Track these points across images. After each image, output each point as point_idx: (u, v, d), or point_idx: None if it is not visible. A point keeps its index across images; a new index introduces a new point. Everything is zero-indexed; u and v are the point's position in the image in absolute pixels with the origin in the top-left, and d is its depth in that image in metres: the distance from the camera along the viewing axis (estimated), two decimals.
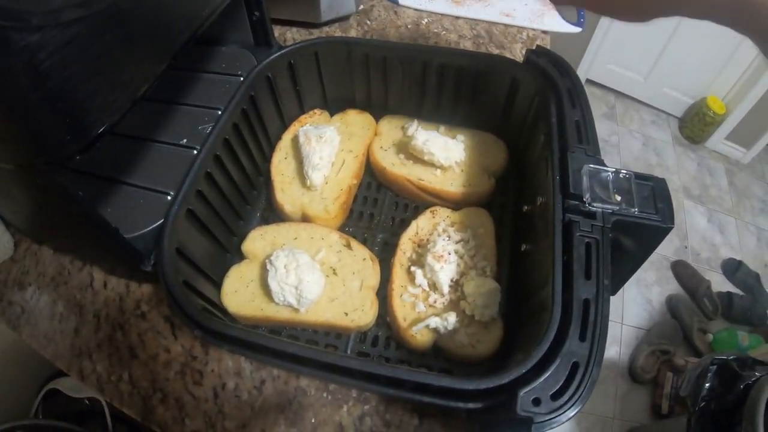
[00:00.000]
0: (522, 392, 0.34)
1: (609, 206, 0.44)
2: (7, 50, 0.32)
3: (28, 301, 0.63)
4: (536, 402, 0.34)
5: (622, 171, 0.46)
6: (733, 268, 1.92)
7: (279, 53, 0.62)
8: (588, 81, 2.47)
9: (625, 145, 2.27)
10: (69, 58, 0.36)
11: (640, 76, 2.35)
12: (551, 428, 0.34)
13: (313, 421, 0.52)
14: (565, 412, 0.34)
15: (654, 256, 1.88)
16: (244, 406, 0.53)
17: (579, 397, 0.34)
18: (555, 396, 0.35)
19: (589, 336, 0.38)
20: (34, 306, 0.62)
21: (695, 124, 2.29)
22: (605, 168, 0.46)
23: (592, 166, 0.46)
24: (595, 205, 0.44)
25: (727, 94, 2.20)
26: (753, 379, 1.24)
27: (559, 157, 0.48)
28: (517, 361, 0.37)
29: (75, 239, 0.62)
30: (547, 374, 0.35)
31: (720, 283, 1.89)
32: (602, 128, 2.32)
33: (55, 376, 0.96)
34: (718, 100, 2.20)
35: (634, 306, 1.83)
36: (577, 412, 0.34)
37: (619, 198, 0.44)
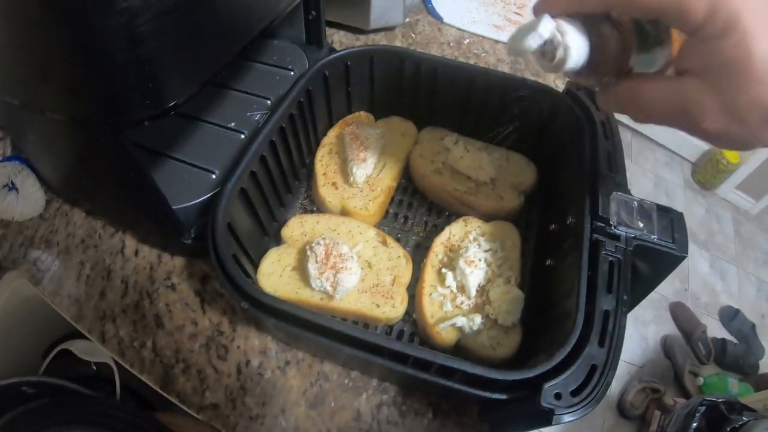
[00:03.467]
0: (547, 385, 0.38)
1: (632, 231, 0.48)
2: (110, 10, 0.34)
3: (54, 260, 0.65)
4: (558, 396, 0.38)
5: (646, 201, 0.50)
6: (730, 316, 1.94)
7: (338, 54, 0.65)
8: None
9: (636, 183, 2.31)
10: (162, 27, 0.38)
11: None
12: (568, 422, 0.37)
13: (332, 405, 0.54)
14: (582, 407, 0.37)
15: (654, 295, 1.92)
16: (266, 385, 0.55)
17: (596, 396, 0.38)
18: (574, 393, 0.38)
19: (608, 343, 0.41)
20: (60, 265, 0.64)
21: (708, 170, 2.32)
22: (631, 197, 0.50)
23: (619, 193, 0.50)
24: (620, 228, 0.48)
25: None
26: (740, 423, 1.28)
27: (591, 184, 0.52)
28: (541, 360, 0.41)
29: (116, 203, 0.63)
30: (568, 372, 0.39)
31: (716, 329, 1.92)
32: None
33: (63, 338, 0.97)
34: None
35: (630, 342, 1.85)
36: (591, 410, 0.38)
37: (641, 225, 0.48)
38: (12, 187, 0.67)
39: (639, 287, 0.54)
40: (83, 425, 0.68)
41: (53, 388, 0.88)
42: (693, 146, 2.40)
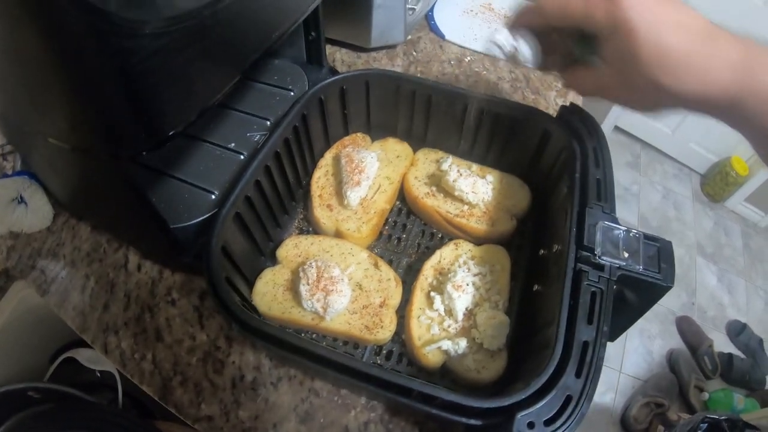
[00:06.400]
0: (520, 414, 0.39)
1: (617, 261, 0.48)
2: (103, 51, 0.36)
3: (60, 272, 0.67)
4: (531, 425, 0.39)
5: (633, 230, 0.50)
6: (737, 330, 1.93)
7: (333, 79, 0.66)
8: (616, 128, 2.50)
9: (645, 196, 2.30)
10: (155, 65, 0.40)
11: (668, 129, 2.38)
12: None
13: (322, 421, 0.55)
14: None
15: (660, 309, 1.92)
16: (259, 399, 0.57)
17: (569, 426, 0.39)
18: (548, 422, 0.39)
19: (584, 374, 0.42)
20: (66, 277, 0.66)
21: (717, 183, 2.31)
22: (618, 226, 0.51)
23: (606, 223, 0.51)
24: (604, 258, 0.48)
25: (751, 156, 2.22)
26: None
27: (578, 211, 0.52)
28: (518, 388, 0.42)
29: (119, 221, 0.65)
30: (543, 402, 0.40)
31: (722, 344, 1.90)
32: (625, 176, 2.36)
33: (69, 345, 0.99)
34: (742, 161, 2.21)
35: (635, 356, 1.85)
36: None
37: (626, 255, 0.49)
38: (21, 200, 0.69)
39: (627, 314, 0.54)
40: (86, 430, 0.70)
41: (58, 393, 0.90)
42: (702, 158, 2.39)
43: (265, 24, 0.55)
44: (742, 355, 1.86)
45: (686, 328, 1.91)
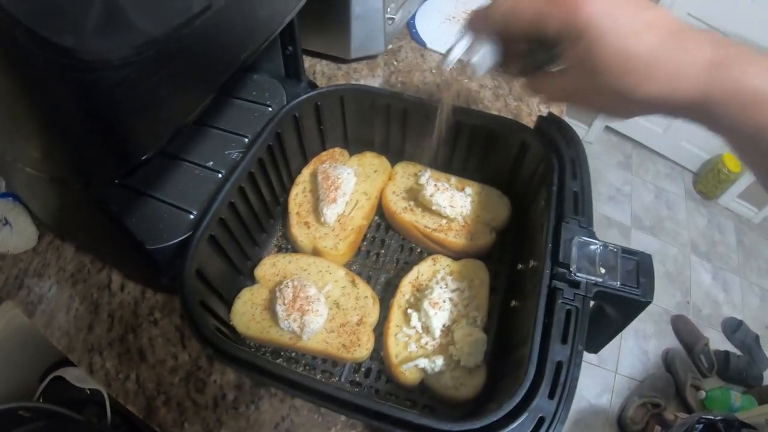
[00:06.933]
0: None
1: (593, 278, 0.47)
2: (65, 85, 0.35)
3: (46, 293, 0.67)
4: None
5: (611, 245, 0.49)
6: (733, 327, 1.93)
7: (307, 96, 0.66)
8: (607, 128, 2.49)
9: (637, 196, 2.30)
10: (119, 96, 0.39)
11: (659, 128, 2.38)
12: None
13: None
14: None
15: (654, 309, 1.92)
16: (240, 418, 0.57)
17: None
18: None
19: (558, 395, 0.41)
20: (52, 298, 0.66)
21: (709, 180, 2.31)
22: (595, 241, 0.50)
23: (583, 238, 0.50)
24: (580, 275, 0.47)
25: None
26: None
27: (554, 226, 0.51)
28: (490, 409, 0.41)
29: (99, 243, 0.65)
30: (515, 425, 0.39)
31: (719, 341, 1.90)
32: (616, 177, 2.36)
33: (59, 363, 1.00)
34: (734, 158, 2.20)
35: (630, 356, 1.84)
36: None
37: (603, 270, 0.48)
38: (6, 222, 0.70)
39: (608, 328, 0.54)
40: None
41: (48, 412, 0.91)
42: (694, 156, 2.39)
43: (232, 45, 0.54)
44: (739, 353, 1.86)
45: (681, 327, 1.91)
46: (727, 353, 1.82)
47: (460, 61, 0.50)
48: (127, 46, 0.38)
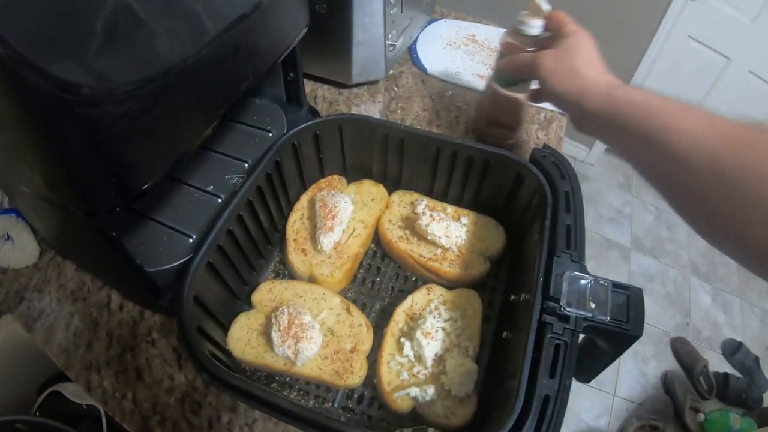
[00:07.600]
0: None
1: (582, 312, 0.48)
2: (68, 119, 0.37)
3: (45, 309, 0.68)
4: None
5: (601, 279, 0.50)
6: (732, 349, 1.92)
7: (306, 125, 0.67)
8: (608, 150, 2.49)
9: (637, 217, 2.30)
10: (121, 129, 0.40)
11: None
12: None
13: None
14: None
15: (654, 331, 1.91)
16: None
17: None
18: None
19: (544, 429, 0.42)
20: (51, 314, 0.67)
21: None
22: (585, 275, 0.50)
23: (573, 272, 0.51)
24: (569, 309, 0.48)
25: None
26: None
27: (546, 260, 0.52)
28: None
29: (99, 264, 0.66)
30: None
31: (718, 363, 1.90)
32: (617, 198, 2.36)
33: (56, 378, 1.01)
34: None
35: (629, 378, 1.84)
36: None
37: (593, 305, 0.48)
38: (8, 237, 0.71)
39: (599, 359, 0.55)
40: None
41: (45, 426, 0.91)
42: None
43: (233, 77, 0.56)
44: (738, 374, 1.85)
45: (681, 348, 1.90)
46: (726, 375, 1.82)
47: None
48: (129, 81, 0.39)
